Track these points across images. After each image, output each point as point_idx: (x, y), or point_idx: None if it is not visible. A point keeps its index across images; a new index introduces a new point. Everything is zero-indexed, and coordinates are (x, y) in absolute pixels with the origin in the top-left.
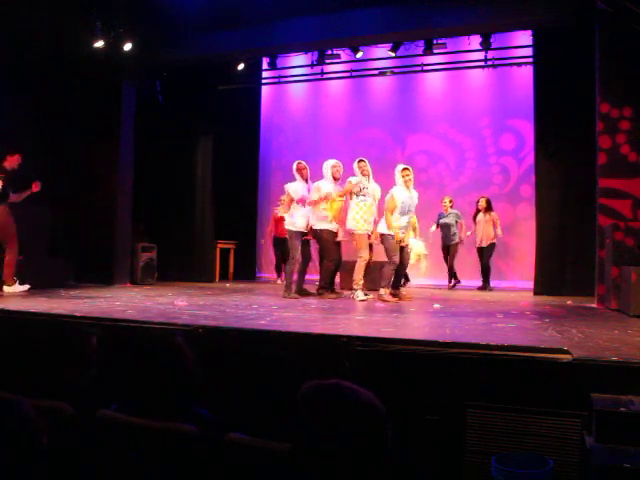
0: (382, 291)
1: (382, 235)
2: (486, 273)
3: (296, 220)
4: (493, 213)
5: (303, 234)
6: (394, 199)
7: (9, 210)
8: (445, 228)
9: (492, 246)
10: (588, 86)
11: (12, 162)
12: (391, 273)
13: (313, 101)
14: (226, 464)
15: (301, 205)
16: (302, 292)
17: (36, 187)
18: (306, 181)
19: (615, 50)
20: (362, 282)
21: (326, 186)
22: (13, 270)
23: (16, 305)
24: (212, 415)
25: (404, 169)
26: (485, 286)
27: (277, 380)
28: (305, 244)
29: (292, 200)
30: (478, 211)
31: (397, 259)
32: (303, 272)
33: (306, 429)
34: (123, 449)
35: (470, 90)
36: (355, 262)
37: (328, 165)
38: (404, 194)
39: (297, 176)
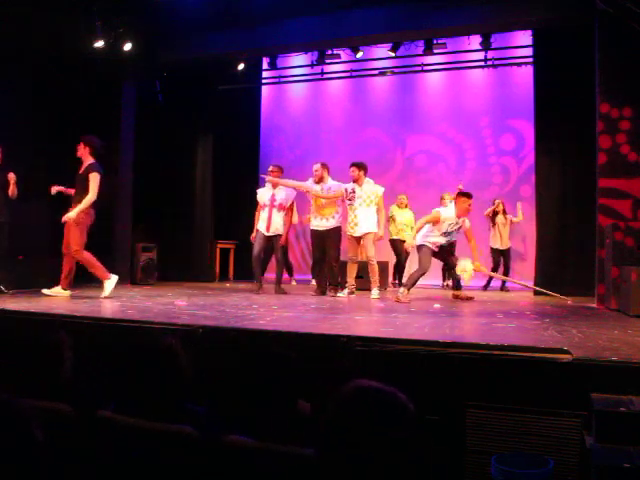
0: (402, 289)
1: (418, 245)
2: (508, 274)
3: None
4: (508, 215)
5: (267, 237)
6: (439, 214)
7: None
8: None
9: (510, 249)
10: (588, 86)
11: None
12: (418, 277)
13: (313, 101)
14: (225, 466)
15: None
16: (279, 290)
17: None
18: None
19: (615, 50)
20: (348, 283)
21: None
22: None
23: (16, 305)
24: (208, 413)
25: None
26: (503, 287)
27: (277, 380)
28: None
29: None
30: (496, 213)
31: (427, 267)
32: (276, 272)
33: (339, 431)
34: (122, 449)
35: (470, 90)
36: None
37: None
38: (449, 214)
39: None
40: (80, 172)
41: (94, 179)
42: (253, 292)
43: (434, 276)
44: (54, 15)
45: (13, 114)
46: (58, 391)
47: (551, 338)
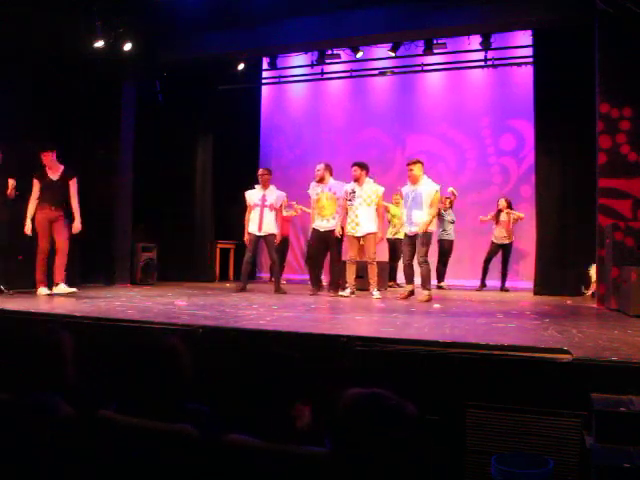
0: (426, 292)
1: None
2: (506, 272)
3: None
4: (514, 211)
5: (257, 237)
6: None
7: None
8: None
9: (512, 245)
10: (588, 86)
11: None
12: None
13: (313, 101)
14: (225, 465)
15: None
16: (279, 290)
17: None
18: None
19: (615, 50)
20: (349, 283)
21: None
22: None
23: (16, 305)
24: (210, 411)
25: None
26: (503, 286)
27: (277, 380)
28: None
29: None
30: (500, 211)
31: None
32: (273, 273)
33: (349, 436)
34: (123, 449)
35: (470, 90)
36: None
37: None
38: (405, 188)
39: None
40: (56, 179)
41: (76, 184)
42: (233, 290)
43: (433, 276)
44: (54, 15)
45: (13, 114)
46: (59, 391)
47: (551, 338)
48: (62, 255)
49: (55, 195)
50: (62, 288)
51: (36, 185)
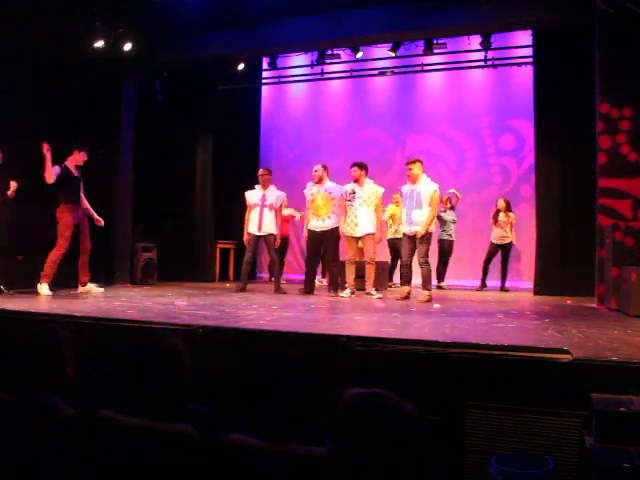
0: (427, 293)
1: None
2: (506, 272)
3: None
4: (511, 214)
5: (257, 237)
6: None
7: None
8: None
9: (511, 244)
10: (588, 86)
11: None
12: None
13: (313, 101)
14: (225, 465)
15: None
16: (279, 290)
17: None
18: (264, 187)
19: (615, 50)
20: (348, 283)
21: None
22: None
23: (16, 305)
24: (210, 411)
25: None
26: (503, 286)
27: (277, 380)
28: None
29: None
30: (498, 211)
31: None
32: (272, 273)
33: (348, 436)
34: (123, 449)
35: (470, 90)
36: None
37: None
38: (405, 188)
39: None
40: (77, 175)
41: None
42: (233, 290)
43: (433, 276)
44: (54, 15)
45: (13, 114)
46: (59, 391)
47: (551, 338)
48: (89, 255)
49: (76, 192)
50: (94, 288)
51: (55, 171)
